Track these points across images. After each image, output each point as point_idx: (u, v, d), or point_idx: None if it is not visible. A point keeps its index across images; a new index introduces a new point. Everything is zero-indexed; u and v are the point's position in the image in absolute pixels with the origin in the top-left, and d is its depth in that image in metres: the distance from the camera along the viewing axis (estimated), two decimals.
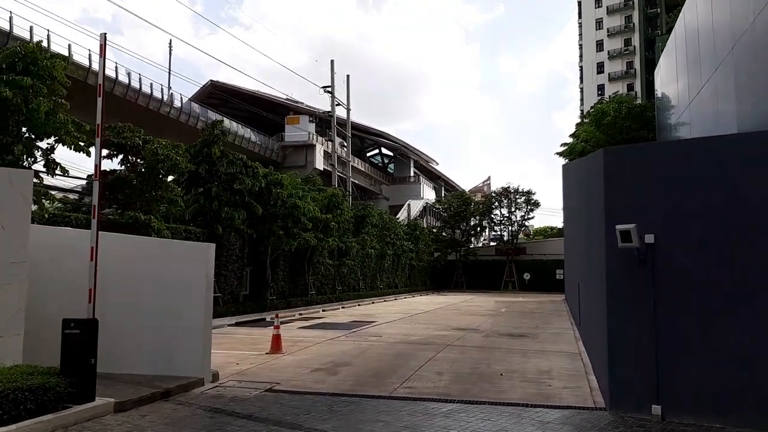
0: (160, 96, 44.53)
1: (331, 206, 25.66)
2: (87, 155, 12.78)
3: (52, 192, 15.71)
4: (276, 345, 11.64)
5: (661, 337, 6.79)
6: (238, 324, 16.91)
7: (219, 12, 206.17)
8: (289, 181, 23.24)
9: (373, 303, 28.89)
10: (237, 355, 11.27)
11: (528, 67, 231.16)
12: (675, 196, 6.88)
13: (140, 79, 43.34)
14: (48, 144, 12.38)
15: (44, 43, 14.23)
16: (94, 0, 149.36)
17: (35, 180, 11.91)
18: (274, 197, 21.17)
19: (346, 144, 50.05)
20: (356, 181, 60.90)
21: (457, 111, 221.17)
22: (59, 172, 12.78)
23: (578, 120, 48.68)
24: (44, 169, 12.64)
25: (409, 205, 61.02)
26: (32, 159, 12.18)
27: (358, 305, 26.76)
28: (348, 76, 51.03)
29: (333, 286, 28.16)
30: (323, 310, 23.19)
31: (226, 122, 51.72)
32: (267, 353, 11.44)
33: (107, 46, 7.61)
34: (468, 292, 46.11)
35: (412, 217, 54.81)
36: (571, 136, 32.55)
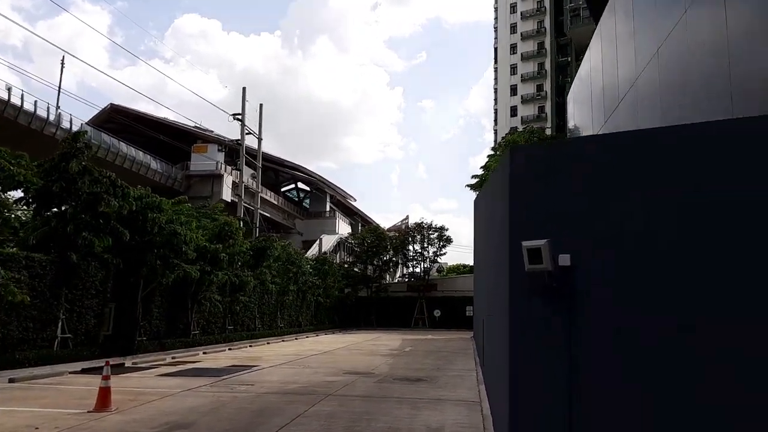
0: (45, 115, 40.40)
1: (222, 236, 23.07)
2: None
3: None
4: (102, 401, 9.03)
5: (579, 392, 5.06)
6: (84, 371, 13.93)
7: (138, 44, 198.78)
8: (171, 206, 20.55)
9: (268, 344, 26.20)
10: (46, 415, 8.60)
11: (448, 111, 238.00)
12: (600, 205, 5.30)
13: (22, 95, 39.23)
14: None
15: None
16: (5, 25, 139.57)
17: None
18: (150, 222, 18.43)
19: (256, 175, 47.46)
20: (267, 214, 58.10)
21: (379, 152, 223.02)
22: None
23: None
24: None
25: (321, 239, 58.72)
26: None
27: (250, 346, 24.03)
28: (261, 105, 48.74)
29: (222, 325, 25.28)
30: (204, 353, 20.35)
31: (123, 147, 48.09)
32: (90, 411, 8.84)
33: None
34: (377, 329, 44.11)
35: (324, 252, 52.49)
36: (482, 167, 31.86)
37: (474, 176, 32.58)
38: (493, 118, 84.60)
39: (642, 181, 5.14)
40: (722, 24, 6.69)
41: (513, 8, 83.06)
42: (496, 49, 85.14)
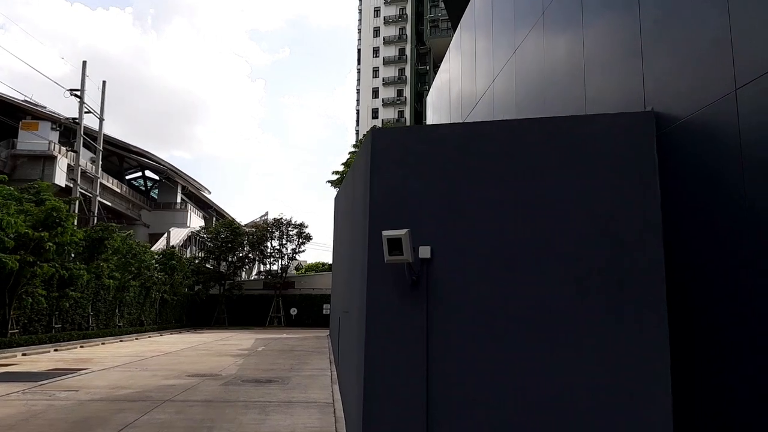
0: None
1: (49, 223, 20.36)
2: None
3: None
4: None
5: (437, 392, 4.76)
6: None
7: None
8: None
9: (103, 344, 23.74)
10: None
11: (311, 109, 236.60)
12: (460, 193, 5.04)
13: None
14: None
15: None
16: None
17: None
18: None
19: (96, 158, 43.11)
20: (108, 203, 53.23)
21: (237, 145, 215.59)
22: None
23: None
24: None
25: (169, 232, 54.98)
26: None
27: (81, 347, 21.56)
28: (104, 82, 44.30)
29: (48, 324, 22.41)
30: (23, 354, 17.82)
31: None
32: None
33: None
34: (230, 329, 42.22)
35: (172, 246, 49.07)
36: (343, 164, 31.49)
37: (335, 172, 32.12)
38: (355, 119, 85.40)
39: (496, 173, 4.98)
40: (577, 42, 6.84)
41: (377, 12, 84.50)
42: (359, 51, 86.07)
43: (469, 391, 4.72)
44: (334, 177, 31.98)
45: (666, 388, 4.35)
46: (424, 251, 4.97)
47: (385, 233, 4.79)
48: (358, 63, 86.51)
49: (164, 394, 10.24)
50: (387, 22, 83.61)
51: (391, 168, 5.25)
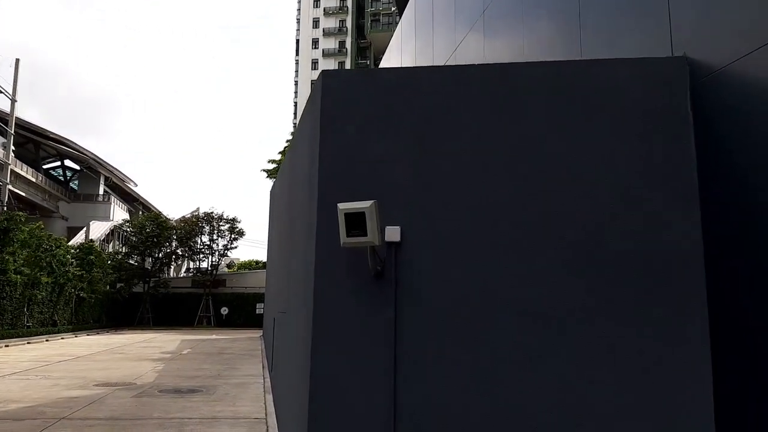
0: None
1: None
2: None
3: None
4: None
5: (405, 423, 3.60)
6: None
7: None
8: None
9: (6, 347, 21.22)
10: None
11: (248, 103, 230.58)
12: (436, 158, 3.89)
13: None
14: None
15: None
16: None
17: None
18: None
19: (7, 144, 39.45)
20: (21, 192, 49.08)
21: (172, 138, 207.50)
22: None
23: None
24: None
25: (89, 226, 51.33)
26: None
27: None
28: (17, 60, 40.93)
29: None
30: None
31: None
32: None
33: None
34: (155, 329, 39.55)
35: (91, 240, 45.62)
36: (280, 153, 29.64)
37: (271, 161, 30.12)
38: (293, 112, 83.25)
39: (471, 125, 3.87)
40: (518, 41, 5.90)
41: (316, 3, 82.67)
42: (298, 41, 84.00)
43: (450, 413, 3.58)
44: (270, 166, 29.98)
45: (708, 420, 3.35)
46: (392, 233, 3.78)
47: (342, 206, 3.57)
48: (297, 54, 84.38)
49: (61, 409, 8.57)
50: (327, 13, 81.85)
51: (346, 124, 4.03)
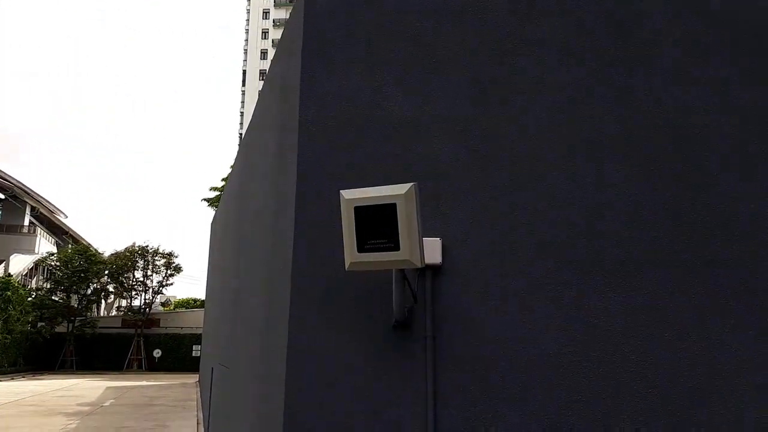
0: None
1: None
2: None
3: None
4: None
5: None
6: None
7: None
8: None
9: None
10: None
11: (191, 128, 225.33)
12: (494, 108, 2.44)
13: None
14: None
15: None
16: None
17: None
18: None
19: None
20: None
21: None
22: None
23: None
24: None
25: (9, 259, 47.09)
26: None
27: None
28: None
29: None
30: None
31: None
32: None
33: None
34: (78, 374, 35.91)
35: (9, 274, 41.63)
36: (223, 179, 27.49)
37: (213, 188, 27.81)
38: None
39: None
40: None
41: (266, 15, 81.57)
42: (245, 51, 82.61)
43: None
44: (212, 194, 27.74)
45: None
46: (429, 249, 2.25)
47: (350, 194, 2.01)
48: (245, 63, 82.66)
49: None
50: (276, 25, 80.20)
51: (340, 62, 2.52)
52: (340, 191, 2.02)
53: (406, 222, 1.90)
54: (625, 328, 2.27)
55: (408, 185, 1.91)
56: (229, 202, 9.26)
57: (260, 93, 4.40)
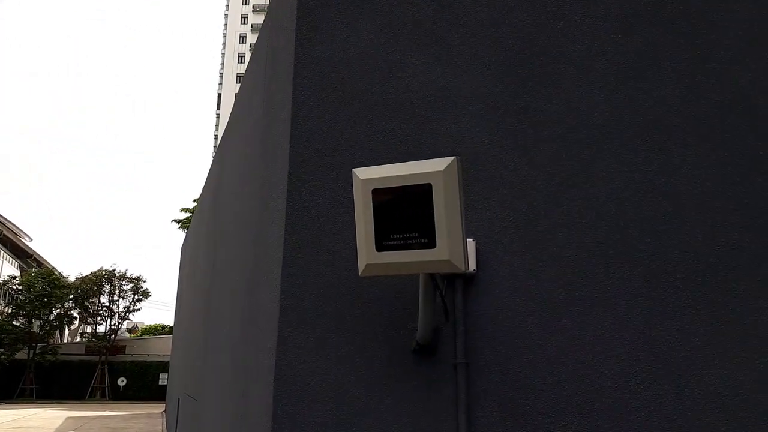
0: None
1: None
2: None
3: None
4: None
5: None
6: None
7: None
8: None
9: None
10: None
11: (168, 140, 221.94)
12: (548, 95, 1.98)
13: None
14: None
15: None
16: None
17: None
18: None
19: None
20: None
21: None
22: None
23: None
24: None
25: None
26: None
27: None
28: None
29: None
30: None
31: None
32: None
33: None
34: (38, 403, 34.19)
35: None
36: (195, 200, 26.64)
37: (184, 209, 26.81)
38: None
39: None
40: None
41: (244, 20, 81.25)
42: (223, 55, 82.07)
43: None
44: (183, 215, 26.74)
45: None
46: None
47: (367, 173, 1.51)
48: (221, 67, 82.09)
49: None
50: (254, 29, 79.97)
51: (346, 18, 2.04)
52: (353, 170, 1.52)
53: (446, 210, 1.40)
54: (705, 354, 1.79)
55: (448, 159, 1.42)
56: (201, 221, 8.67)
57: (245, 73, 3.88)
